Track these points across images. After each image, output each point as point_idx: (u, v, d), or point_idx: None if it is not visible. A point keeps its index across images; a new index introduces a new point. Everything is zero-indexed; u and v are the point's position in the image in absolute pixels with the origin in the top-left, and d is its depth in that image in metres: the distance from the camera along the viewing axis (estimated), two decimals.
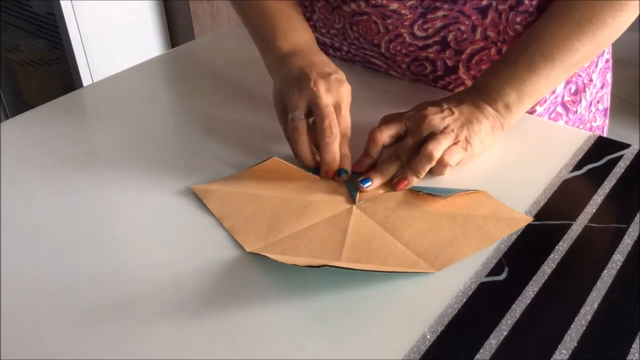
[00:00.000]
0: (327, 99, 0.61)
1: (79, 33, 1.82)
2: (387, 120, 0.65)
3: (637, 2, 0.63)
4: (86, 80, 1.88)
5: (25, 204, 0.61)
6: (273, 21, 0.70)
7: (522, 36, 0.67)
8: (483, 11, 0.69)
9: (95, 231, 0.57)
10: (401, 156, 0.62)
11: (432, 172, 0.62)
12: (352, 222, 0.57)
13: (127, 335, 0.47)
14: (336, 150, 0.61)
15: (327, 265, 0.49)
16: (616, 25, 0.65)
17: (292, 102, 0.63)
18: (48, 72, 2.01)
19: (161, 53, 1.14)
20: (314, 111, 0.62)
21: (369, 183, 0.60)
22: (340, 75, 0.64)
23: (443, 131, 0.62)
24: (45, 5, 1.81)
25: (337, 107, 0.62)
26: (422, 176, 0.61)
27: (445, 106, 0.64)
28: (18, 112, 0.92)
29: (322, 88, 0.62)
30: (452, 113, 0.63)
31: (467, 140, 0.62)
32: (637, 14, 0.65)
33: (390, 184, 0.61)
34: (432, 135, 0.61)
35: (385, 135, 0.63)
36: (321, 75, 0.63)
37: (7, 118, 1.65)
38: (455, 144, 0.62)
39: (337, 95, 0.62)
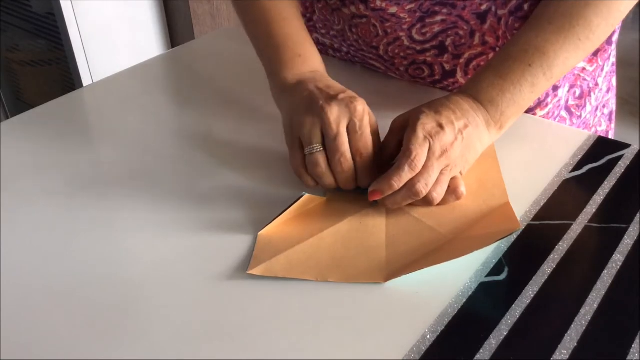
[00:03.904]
0: (337, 126, 0.58)
1: (79, 33, 1.82)
2: (397, 129, 0.62)
3: (625, 3, 0.62)
4: (86, 80, 1.88)
5: (24, 204, 0.61)
6: (279, 49, 0.67)
7: (522, 44, 0.63)
8: (482, 16, 0.69)
9: (94, 231, 0.57)
10: (423, 193, 0.57)
11: (423, 202, 0.59)
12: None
13: (127, 335, 0.47)
14: (349, 178, 0.59)
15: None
16: (606, 33, 0.64)
17: (305, 135, 0.59)
18: (48, 72, 2.01)
19: (161, 53, 1.14)
20: (325, 141, 0.59)
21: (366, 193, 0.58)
22: (350, 93, 0.61)
23: (453, 167, 0.58)
24: (45, 5, 1.81)
25: (353, 127, 0.58)
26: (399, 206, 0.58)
27: (456, 129, 0.58)
28: (18, 112, 0.92)
29: (332, 114, 0.58)
30: (456, 139, 0.58)
31: (465, 167, 0.60)
32: (622, 17, 0.64)
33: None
34: (439, 179, 0.57)
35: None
36: (329, 99, 0.59)
37: (7, 118, 1.65)
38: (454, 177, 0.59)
39: (350, 114, 0.59)
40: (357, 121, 0.58)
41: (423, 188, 0.56)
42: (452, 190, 0.58)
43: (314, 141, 0.59)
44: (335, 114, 0.58)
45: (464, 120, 0.59)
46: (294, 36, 0.68)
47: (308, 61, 0.67)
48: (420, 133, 0.57)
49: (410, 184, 0.56)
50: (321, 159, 0.59)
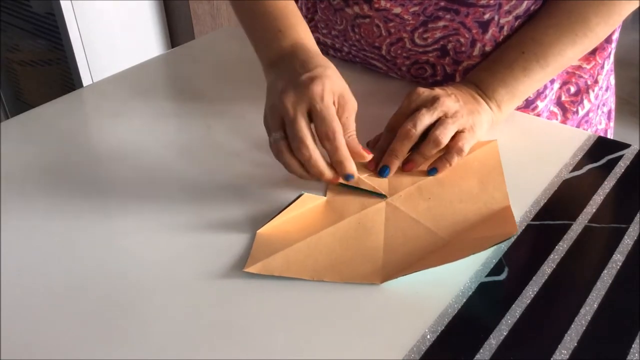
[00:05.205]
0: (294, 111, 0.55)
1: (79, 33, 1.82)
2: (397, 120, 0.64)
3: (626, 6, 0.65)
4: (86, 80, 1.88)
5: (24, 204, 0.61)
6: (261, 30, 0.66)
7: (519, 35, 0.68)
8: (484, 25, 0.69)
9: (94, 231, 0.57)
10: (412, 132, 0.60)
11: (443, 159, 0.62)
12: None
13: (125, 333, 0.47)
14: (318, 166, 0.56)
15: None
16: (606, 33, 0.67)
17: (267, 124, 0.59)
18: (48, 72, 2.01)
19: (161, 53, 1.14)
20: (286, 128, 0.57)
21: (388, 172, 0.61)
22: (316, 71, 0.58)
23: (453, 115, 0.62)
24: (45, 5, 1.81)
25: (313, 111, 0.56)
26: (429, 159, 0.62)
27: (450, 92, 0.64)
28: (18, 112, 0.92)
29: (288, 99, 0.56)
30: (458, 100, 0.63)
31: (472, 128, 0.62)
32: (622, 19, 0.67)
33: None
34: (441, 120, 0.61)
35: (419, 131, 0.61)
36: (290, 84, 0.57)
37: (7, 118, 1.65)
38: (462, 131, 0.62)
39: (308, 98, 0.56)
40: (315, 104, 0.55)
41: (411, 127, 0.60)
42: (453, 146, 0.61)
43: (275, 128, 0.57)
44: (291, 99, 0.56)
45: (457, 90, 0.65)
46: (274, 12, 0.66)
47: (289, 34, 0.65)
48: (413, 94, 0.63)
49: (400, 128, 0.61)
50: (283, 147, 0.57)
